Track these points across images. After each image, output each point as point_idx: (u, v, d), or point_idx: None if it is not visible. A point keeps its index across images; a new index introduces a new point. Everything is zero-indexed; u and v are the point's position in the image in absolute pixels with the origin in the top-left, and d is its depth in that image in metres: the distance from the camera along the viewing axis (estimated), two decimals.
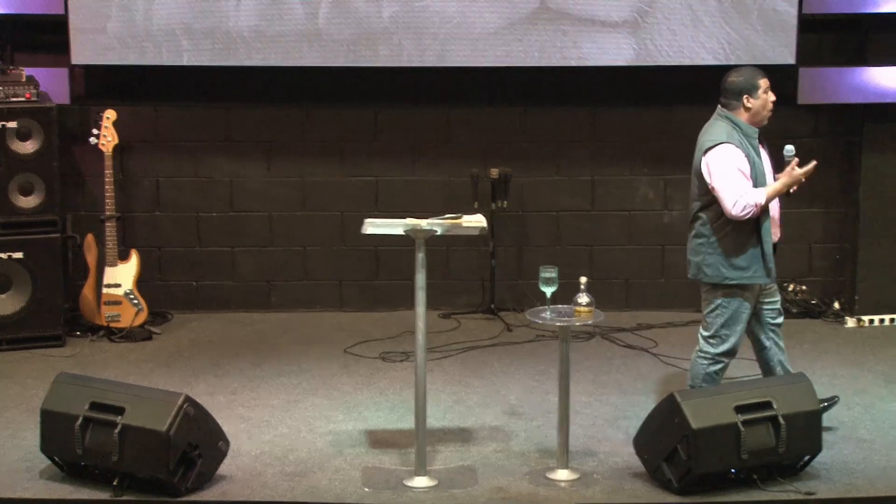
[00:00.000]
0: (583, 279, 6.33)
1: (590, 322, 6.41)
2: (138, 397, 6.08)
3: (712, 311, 6.61)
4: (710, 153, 6.43)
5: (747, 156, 6.43)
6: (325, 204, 9.40)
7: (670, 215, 9.42)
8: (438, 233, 6.24)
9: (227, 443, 6.29)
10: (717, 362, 6.61)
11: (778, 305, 6.76)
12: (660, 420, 6.15)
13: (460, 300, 9.44)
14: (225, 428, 6.34)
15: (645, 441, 6.27)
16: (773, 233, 6.63)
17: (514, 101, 9.31)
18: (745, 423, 6.01)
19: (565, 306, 6.36)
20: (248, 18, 8.72)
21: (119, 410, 5.99)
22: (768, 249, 6.51)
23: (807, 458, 6.30)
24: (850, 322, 9.09)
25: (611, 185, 9.41)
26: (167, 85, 9.15)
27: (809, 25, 8.86)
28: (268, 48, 8.76)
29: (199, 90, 9.17)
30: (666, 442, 6.08)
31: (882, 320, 9.11)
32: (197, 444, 6.05)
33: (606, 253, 9.46)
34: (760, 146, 6.58)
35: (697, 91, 9.22)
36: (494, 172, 9.09)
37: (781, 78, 8.92)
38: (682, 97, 9.20)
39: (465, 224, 6.33)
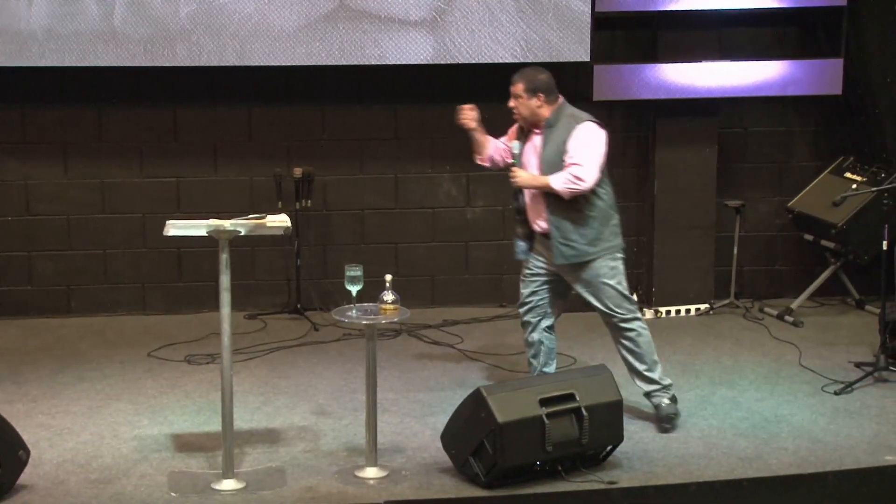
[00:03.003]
0: (388, 277, 6.36)
1: (396, 319, 6.43)
2: None
3: None
4: None
5: (518, 138, 7.00)
6: (124, 206, 9.25)
7: (473, 212, 9.53)
8: (242, 233, 6.20)
9: (27, 452, 6.13)
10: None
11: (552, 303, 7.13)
12: (466, 415, 6.21)
13: (266, 301, 9.39)
14: (25, 436, 6.18)
15: (452, 436, 6.33)
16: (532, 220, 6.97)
17: (315, 100, 9.30)
18: (549, 415, 6.11)
19: (371, 304, 6.39)
20: (41, 18, 8.52)
21: None
22: (519, 227, 6.99)
23: (609, 448, 6.45)
24: (648, 314, 9.32)
25: (413, 183, 9.47)
26: None
27: (603, 23, 9.06)
28: (62, 48, 8.58)
29: None
30: (473, 436, 6.14)
31: (678, 311, 9.38)
32: None
33: (411, 250, 9.52)
34: (539, 135, 6.88)
35: (496, 89, 9.37)
36: (297, 172, 9.07)
37: (577, 75, 9.15)
38: (482, 95, 9.28)
39: (269, 224, 6.31)
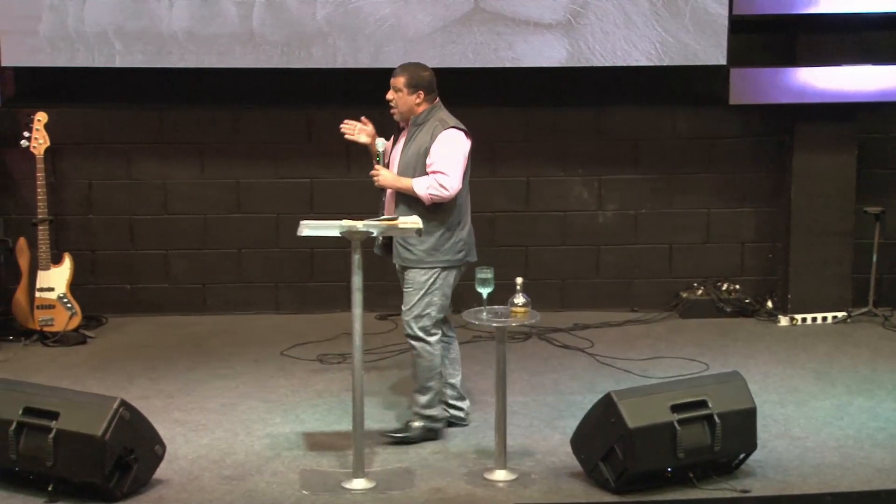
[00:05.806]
0: (518, 280, 6.34)
1: (526, 322, 6.42)
2: (73, 402, 6.02)
3: None
4: None
5: (396, 136, 6.98)
6: (259, 206, 9.36)
7: (604, 215, 9.47)
8: (374, 234, 6.24)
9: (163, 447, 6.24)
10: None
11: None
12: (596, 420, 6.17)
13: (396, 302, 9.38)
14: (161, 432, 6.29)
15: (582, 441, 6.30)
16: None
17: (448, 102, 9.26)
18: (680, 422, 6.04)
19: (501, 307, 6.38)
20: (181, 20, 8.66)
21: (53, 415, 5.92)
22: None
23: (742, 456, 6.35)
24: (783, 320, 9.18)
25: (545, 186, 9.44)
26: (99, 86, 9.06)
27: (740, 26, 8.93)
28: (201, 50, 8.71)
29: (131, 92, 9.09)
30: (603, 441, 6.10)
31: (814, 318, 9.21)
32: (132, 449, 6.00)
33: (541, 253, 9.49)
34: (409, 133, 6.87)
35: (630, 91, 9.32)
36: None
37: (713, 78, 9.04)
38: (615, 97, 9.25)
39: (401, 225, 6.34)
